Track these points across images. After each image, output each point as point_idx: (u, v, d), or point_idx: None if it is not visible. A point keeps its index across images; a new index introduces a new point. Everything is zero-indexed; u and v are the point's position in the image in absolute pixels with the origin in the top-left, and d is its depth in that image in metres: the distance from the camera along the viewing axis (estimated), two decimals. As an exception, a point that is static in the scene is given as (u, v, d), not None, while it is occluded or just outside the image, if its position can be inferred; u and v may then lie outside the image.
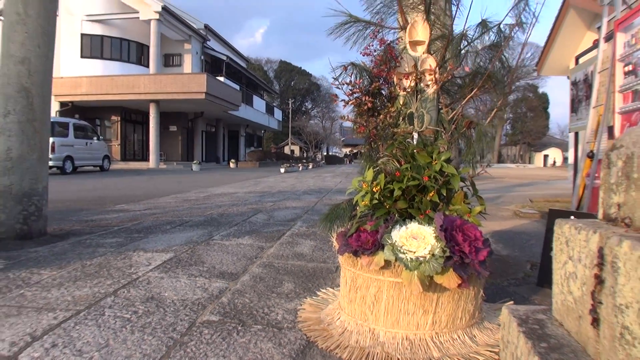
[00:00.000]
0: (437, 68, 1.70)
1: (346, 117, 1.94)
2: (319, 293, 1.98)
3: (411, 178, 1.51)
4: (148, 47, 21.73)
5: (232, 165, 25.04)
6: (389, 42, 1.88)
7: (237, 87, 25.90)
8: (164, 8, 20.41)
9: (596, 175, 3.00)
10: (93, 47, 21.57)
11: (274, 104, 41.93)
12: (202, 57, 25.55)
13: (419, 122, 1.72)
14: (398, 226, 1.43)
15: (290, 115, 46.13)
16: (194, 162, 20.35)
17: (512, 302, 1.82)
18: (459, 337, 1.43)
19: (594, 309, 0.81)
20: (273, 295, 1.98)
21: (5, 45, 3.11)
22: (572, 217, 1.55)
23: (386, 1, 1.92)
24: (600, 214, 0.97)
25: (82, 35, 21.20)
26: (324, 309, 1.74)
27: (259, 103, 31.44)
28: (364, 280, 1.49)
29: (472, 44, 1.84)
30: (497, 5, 2.12)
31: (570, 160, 7.95)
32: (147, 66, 22.17)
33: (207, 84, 19.36)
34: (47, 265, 2.41)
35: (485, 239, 1.41)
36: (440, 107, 1.79)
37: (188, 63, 24.31)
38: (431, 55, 1.74)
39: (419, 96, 1.73)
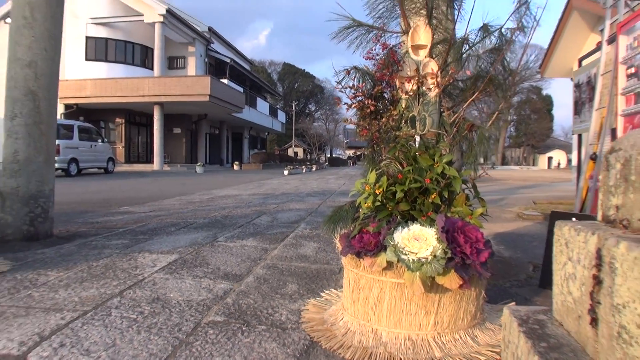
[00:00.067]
0: (439, 72, 1.72)
1: (349, 120, 1.96)
2: (322, 294, 2.00)
3: (413, 180, 1.52)
4: (152, 49, 21.88)
5: (235, 167, 25.13)
6: (391, 46, 1.90)
7: (241, 89, 26.01)
8: (168, 11, 20.55)
9: (599, 177, 3.00)
10: (98, 49, 21.72)
11: (278, 106, 41.99)
12: (206, 60, 25.66)
13: (421, 125, 1.74)
14: (400, 228, 1.45)
15: (293, 118, 46.17)
16: (198, 164, 20.41)
17: (513, 303, 1.83)
18: (460, 337, 1.44)
19: (593, 309, 0.82)
20: (277, 296, 2.00)
21: (12, 48, 3.15)
22: (573, 219, 1.57)
23: (389, 5, 1.94)
24: (599, 216, 0.98)
25: (87, 38, 21.37)
26: (327, 309, 1.75)
27: (262, 105, 31.51)
28: (367, 281, 1.50)
29: (473, 47, 1.85)
30: (499, 9, 2.13)
31: (574, 162, 7.93)
32: (152, 69, 22.31)
33: (211, 87, 19.46)
34: (54, 267, 2.44)
35: (486, 240, 1.42)
36: (442, 110, 1.80)
37: (192, 65, 24.41)
38: (433, 59, 1.76)
39: (421, 99, 1.75)
